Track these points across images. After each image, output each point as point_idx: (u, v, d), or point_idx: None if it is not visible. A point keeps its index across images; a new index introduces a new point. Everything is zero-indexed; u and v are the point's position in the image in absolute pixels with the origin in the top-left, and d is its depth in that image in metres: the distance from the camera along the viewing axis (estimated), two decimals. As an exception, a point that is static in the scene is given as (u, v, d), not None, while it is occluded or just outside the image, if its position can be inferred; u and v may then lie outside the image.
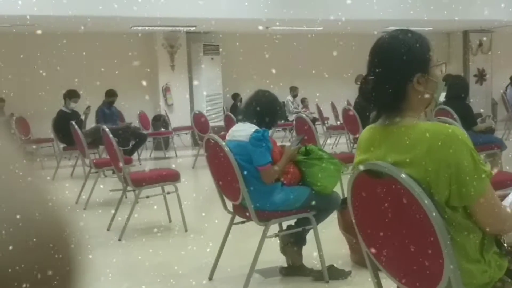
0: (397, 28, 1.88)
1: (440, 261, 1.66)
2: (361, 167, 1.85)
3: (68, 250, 0.42)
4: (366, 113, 6.15)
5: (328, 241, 3.74)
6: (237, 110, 10.46)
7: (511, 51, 14.20)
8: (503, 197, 1.94)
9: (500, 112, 13.71)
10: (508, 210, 1.76)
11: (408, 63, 1.76)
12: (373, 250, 1.95)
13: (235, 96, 12.76)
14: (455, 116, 5.49)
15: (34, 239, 0.40)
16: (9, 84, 10.65)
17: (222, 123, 10.32)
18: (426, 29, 12.21)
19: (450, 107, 5.70)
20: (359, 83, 1.89)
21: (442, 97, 5.77)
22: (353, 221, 2.00)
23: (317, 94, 12.87)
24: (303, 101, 13.15)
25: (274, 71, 12.47)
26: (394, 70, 1.76)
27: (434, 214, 1.63)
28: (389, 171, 1.72)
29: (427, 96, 1.78)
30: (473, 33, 14.61)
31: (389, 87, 1.77)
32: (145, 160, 10.35)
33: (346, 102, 10.18)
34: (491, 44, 14.88)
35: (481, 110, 9.79)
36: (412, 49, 1.77)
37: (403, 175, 1.68)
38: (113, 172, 7.03)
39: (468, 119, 5.75)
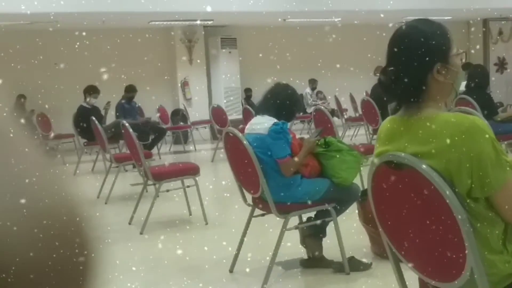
0: (416, 18, 1.86)
1: (462, 252, 1.65)
2: (382, 159, 1.84)
3: (83, 244, 0.42)
4: (383, 101, 6.12)
5: (348, 233, 3.74)
6: (249, 104, 10.49)
7: (532, 38, 14.00)
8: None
9: (522, 100, 13.54)
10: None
11: (427, 53, 1.74)
12: (394, 242, 1.94)
13: (247, 91, 12.78)
14: (476, 105, 5.43)
15: (50, 232, 0.40)
16: (30, 81, 10.77)
17: (240, 116, 10.33)
18: (445, 18, 12.07)
19: (470, 97, 5.63)
20: (378, 74, 1.88)
21: (462, 86, 5.72)
22: (374, 212, 2.00)
23: (336, 87, 12.82)
24: (318, 93, 13.11)
25: (292, 63, 12.46)
26: (414, 60, 1.75)
27: (455, 205, 1.62)
28: (409, 162, 1.71)
29: (447, 86, 1.77)
30: (493, 21, 14.41)
31: (409, 78, 1.76)
32: (165, 154, 10.40)
33: (364, 93, 10.13)
34: (511, 32, 14.67)
35: (501, 100, 9.66)
36: (431, 39, 1.75)
37: (424, 166, 1.66)
38: (134, 167, 7.10)
39: (489, 108, 5.69)
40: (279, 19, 11.75)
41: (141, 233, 4.84)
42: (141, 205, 5.15)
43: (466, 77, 5.98)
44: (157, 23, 11.24)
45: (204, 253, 4.24)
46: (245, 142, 3.34)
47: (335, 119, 6.26)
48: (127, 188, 6.51)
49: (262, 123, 3.43)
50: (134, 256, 4.30)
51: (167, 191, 5.15)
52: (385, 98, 1.91)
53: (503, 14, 13.65)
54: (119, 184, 6.40)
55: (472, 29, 14.82)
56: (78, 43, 11.27)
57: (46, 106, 10.47)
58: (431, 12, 10.31)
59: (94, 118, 6.91)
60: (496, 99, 6.48)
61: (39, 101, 10.68)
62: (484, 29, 14.63)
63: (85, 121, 7.62)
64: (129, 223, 5.17)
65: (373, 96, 7.73)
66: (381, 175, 1.89)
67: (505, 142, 5.59)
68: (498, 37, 14.62)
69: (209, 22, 11.77)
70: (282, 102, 3.48)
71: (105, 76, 10.40)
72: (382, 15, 11.46)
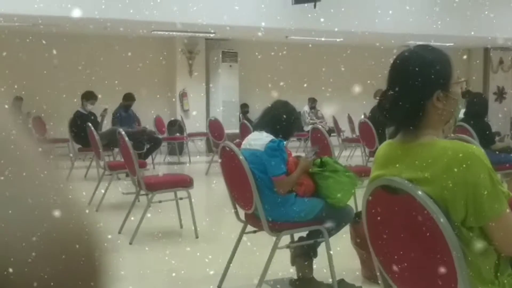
0: (418, 42, 1.86)
1: (454, 281, 1.64)
2: (378, 182, 1.83)
3: (93, 259, 0.42)
4: (382, 124, 6.12)
5: (340, 255, 3.70)
6: (246, 119, 10.50)
7: (532, 70, 14.09)
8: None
9: (519, 131, 13.59)
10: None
11: (428, 79, 1.74)
12: (386, 266, 1.92)
13: (244, 107, 12.78)
14: (473, 133, 5.43)
15: (61, 250, 0.39)
16: (28, 83, 10.74)
17: (237, 131, 10.32)
18: (447, 44, 12.15)
19: (468, 125, 5.64)
20: (378, 98, 1.88)
21: (461, 113, 5.72)
22: (367, 236, 1.98)
23: (334, 107, 12.84)
24: (317, 112, 13.13)
25: (292, 81, 12.49)
26: (415, 86, 1.74)
27: (449, 233, 1.61)
28: (405, 188, 1.70)
29: (446, 113, 1.76)
30: (494, 50, 14.51)
31: (409, 103, 1.75)
32: (159, 164, 10.37)
33: (363, 115, 10.14)
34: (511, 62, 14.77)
35: (499, 129, 9.68)
36: (433, 66, 1.75)
37: (419, 192, 1.65)
38: (127, 175, 7.05)
39: (486, 137, 5.69)
40: (281, 36, 11.80)
41: (130, 243, 4.80)
42: (132, 214, 5.11)
43: (465, 104, 5.99)
44: (159, 32, 11.26)
45: (193, 267, 4.19)
46: (241, 157, 3.32)
47: (332, 138, 6.25)
48: (119, 197, 6.46)
49: (259, 139, 3.42)
50: (121, 266, 4.25)
51: (160, 202, 5.11)
52: (383, 122, 1.90)
53: (504, 44, 13.74)
54: (111, 192, 6.36)
55: (473, 57, 14.92)
56: (79, 48, 11.28)
57: (44, 106, 10.43)
58: (433, 38, 10.40)
59: (90, 124, 6.88)
60: (493, 128, 6.49)
61: (35, 104, 10.65)
62: (485, 57, 14.72)
63: (81, 126, 7.60)
64: (119, 232, 5.13)
65: (372, 118, 7.73)
66: (377, 199, 1.87)
67: (501, 173, 5.57)
68: (498, 66, 14.71)
69: (211, 35, 11.80)
70: (281, 120, 3.47)
71: (104, 82, 10.41)
72: (383, 38, 11.52)
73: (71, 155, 8.76)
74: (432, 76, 1.74)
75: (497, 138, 6.28)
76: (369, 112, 8.48)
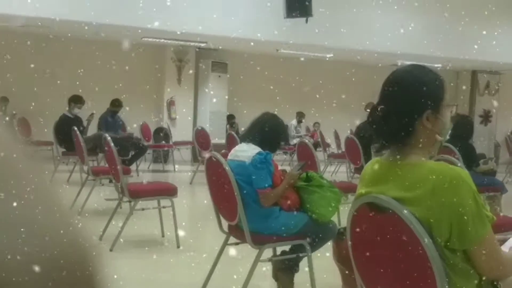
0: (407, 62, 1.87)
1: (436, 302, 1.63)
2: (364, 200, 1.82)
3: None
4: (367, 140, 6.13)
5: (321, 271, 3.68)
6: (233, 130, 10.49)
7: (518, 94, 14.26)
8: (503, 242, 1.93)
9: (503, 154, 13.71)
10: (508, 255, 1.74)
11: (420, 98, 1.75)
12: (368, 284, 1.91)
13: (230, 118, 12.77)
14: (458, 155, 5.46)
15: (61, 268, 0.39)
16: (15, 84, 10.64)
17: (223, 141, 10.30)
18: (436, 65, 12.26)
19: (453, 146, 5.68)
20: (368, 110, 1.87)
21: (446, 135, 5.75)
22: (350, 253, 1.97)
23: (321, 121, 12.90)
24: (303, 126, 13.18)
25: (280, 94, 12.52)
26: (406, 104, 1.76)
27: (433, 254, 1.61)
28: (391, 206, 1.70)
29: (433, 134, 1.77)
30: (481, 73, 14.68)
31: (398, 120, 1.75)
32: (143, 171, 10.30)
33: (349, 131, 10.18)
34: (498, 86, 14.94)
35: (484, 151, 9.76)
36: (426, 85, 1.76)
37: (405, 211, 1.65)
38: (110, 181, 6.99)
39: (470, 159, 5.73)
40: (272, 49, 11.83)
41: (110, 250, 4.74)
42: (114, 221, 5.06)
43: (451, 126, 6.04)
44: (150, 39, 11.24)
45: (173, 277, 4.15)
46: (227, 168, 3.31)
47: (318, 153, 6.24)
48: (101, 203, 6.40)
49: (246, 151, 3.41)
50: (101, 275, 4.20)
51: (142, 209, 5.06)
52: (370, 136, 1.90)
53: (491, 68, 13.91)
54: (94, 198, 6.30)
55: (461, 79, 15.07)
56: (68, 51, 11.22)
57: (31, 107, 10.32)
58: (422, 58, 10.48)
59: (75, 128, 6.83)
60: (478, 151, 6.54)
61: (21, 105, 10.54)
62: (472, 80, 14.88)
63: (67, 130, 7.53)
64: (100, 239, 5.07)
65: (357, 135, 7.76)
66: (362, 216, 1.87)
67: (484, 195, 5.61)
68: (485, 90, 14.88)
69: (202, 45, 11.80)
70: (268, 132, 3.47)
71: (92, 87, 10.35)
72: (373, 56, 11.61)
73: (58, 158, 8.67)
74: (425, 96, 1.75)
75: (481, 161, 6.32)
76: (355, 129, 8.52)
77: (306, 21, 9.59)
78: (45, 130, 9.02)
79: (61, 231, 0.40)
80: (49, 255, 0.38)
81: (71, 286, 0.40)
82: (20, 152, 0.43)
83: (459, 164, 3.90)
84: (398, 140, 1.77)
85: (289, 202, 3.40)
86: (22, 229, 0.37)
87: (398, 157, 1.78)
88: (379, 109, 1.80)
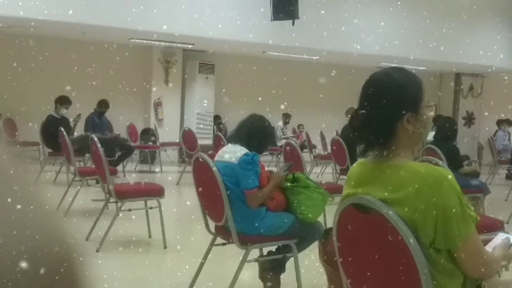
0: (391, 64, 1.90)
1: (420, 301, 1.66)
2: (350, 200, 1.85)
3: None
4: (353, 142, 6.18)
5: (308, 271, 3.72)
6: (220, 131, 10.49)
7: (500, 97, 14.39)
8: (486, 242, 1.95)
9: (486, 156, 13.85)
10: (491, 255, 1.77)
11: (399, 101, 1.77)
12: (354, 284, 1.94)
13: (217, 118, 12.78)
14: (442, 156, 5.53)
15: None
16: (1, 84, 10.55)
17: (210, 142, 10.31)
18: (420, 68, 12.38)
19: (437, 147, 5.75)
20: (349, 116, 1.90)
21: (430, 136, 5.82)
22: (336, 253, 2.00)
23: (307, 123, 12.95)
24: (290, 127, 13.22)
25: (267, 95, 12.55)
26: (385, 107, 1.77)
27: (418, 254, 1.63)
28: (376, 207, 1.72)
29: (415, 135, 1.79)
30: (465, 76, 14.82)
31: (379, 123, 1.78)
32: (130, 172, 10.26)
33: (335, 133, 10.24)
34: (481, 88, 15.10)
35: (467, 153, 9.86)
36: (404, 88, 1.78)
37: (390, 212, 1.68)
38: (97, 182, 6.97)
39: (454, 160, 5.79)
40: (259, 51, 11.86)
41: (97, 251, 4.74)
42: (101, 222, 5.05)
43: (435, 128, 6.10)
44: (137, 41, 11.22)
45: (159, 278, 4.16)
46: (214, 169, 3.33)
47: (304, 154, 6.28)
48: (88, 203, 6.38)
49: (233, 152, 3.43)
50: (86, 274, 4.19)
51: (129, 210, 5.06)
52: (354, 140, 1.92)
53: (475, 70, 14.05)
54: (80, 198, 6.28)
55: (445, 81, 15.21)
56: (55, 52, 11.15)
57: (17, 108, 10.24)
58: (406, 61, 10.58)
59: (62, 129, 6.80)
60: (462, 152, 6.61)
61: (7, 105, 10.46)
62: (456, 83, 15.02)
63: (53, 131, 7.50)
64: (86, 239, 5.06)
65: (343, 136, 7.81)
66: (348, 217, 1.89)
67: (468, 196, 5.67)
68: (468, 92, 15.02)
69: (189, 46, 11.80)
70: (255, 134, 3.49)
71: (79, 88, 10.30)
72: (358, 58, 11.68)
73: (41, 158, 8.62)
74: (403, 98, 1.77)
75: (465, 162, 6.39)
76: (341, 130, 8.57)
77: (293, 23, 9.64)
78: (32, 131, 8.96)
79: (45, 231, 0.41)
80: (33, 255, 0.38)
81: (55, 285, 0.40)
82: (5, 153, 0.43)
83: (443, 165, 3.95)
84: (380, 143, 1.79)
85: (275, 202, 3.43)
86: (5, 229, 0.38)
87: (382, 159, 1.81)
88: (359, 113, 1.83)
